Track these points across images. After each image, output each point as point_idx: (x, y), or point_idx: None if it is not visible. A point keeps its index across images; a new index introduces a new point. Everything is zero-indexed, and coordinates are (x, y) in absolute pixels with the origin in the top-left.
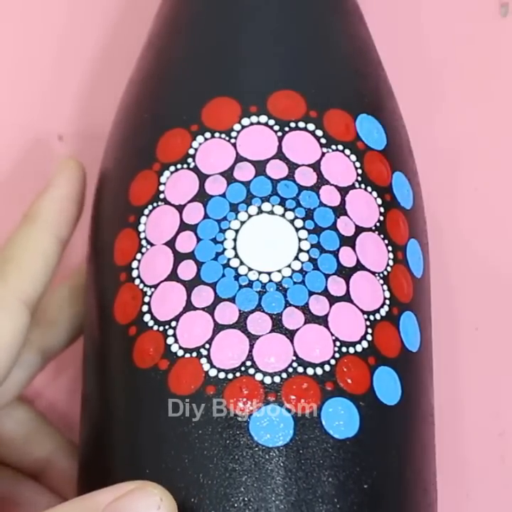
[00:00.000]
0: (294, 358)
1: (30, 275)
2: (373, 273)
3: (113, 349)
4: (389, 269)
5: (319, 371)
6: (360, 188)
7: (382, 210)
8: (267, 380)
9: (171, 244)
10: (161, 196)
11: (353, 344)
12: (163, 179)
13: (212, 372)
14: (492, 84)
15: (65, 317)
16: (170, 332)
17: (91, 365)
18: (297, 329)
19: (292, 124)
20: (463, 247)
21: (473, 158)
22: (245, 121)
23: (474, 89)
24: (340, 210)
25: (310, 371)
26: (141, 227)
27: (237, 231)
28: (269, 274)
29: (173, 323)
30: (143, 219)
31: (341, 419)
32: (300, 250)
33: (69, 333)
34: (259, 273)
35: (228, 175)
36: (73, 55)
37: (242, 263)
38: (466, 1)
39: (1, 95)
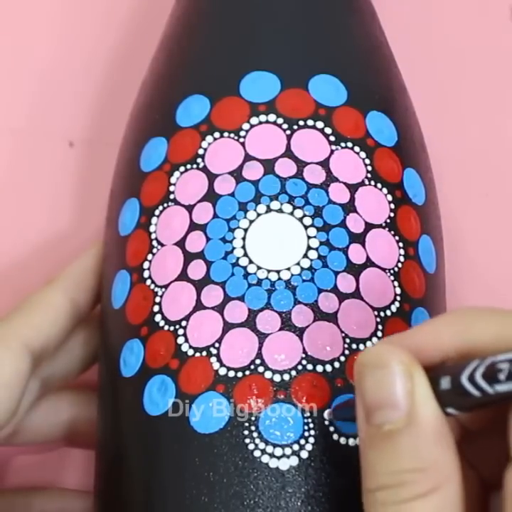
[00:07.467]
0: (304, 356)
1: (36, 323)
2: (383, 269)
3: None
4: (400, 265)
5: (329, 368)
6: (369, 184)
7: (392, 206)
8: (277, 378)
9: (180, 244)
10: (171, 197)
11: (363, 341)
12: (173, 180)
13: (222, 371)
14: (503, 85)
15: (67, 347)
16: (180, 332)
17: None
18: (306, 327)
19: (301, 122)
20: (478, 242)
21: (486, 155)
22: (254, 120)
23: (485, 90)
24: (349, 207)
25: (319, 368)
26: (152, 228)
27: (246, 230)
28: (278, 272)
29: (184, 323)
30: (154, 220)
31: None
32: (309, 248)
33: (73, 362)
34: (268, 271)
35: (237, 174)
36: (84, 60)
37: (251, 262)
38: (477, 5)
39: (11, 101)
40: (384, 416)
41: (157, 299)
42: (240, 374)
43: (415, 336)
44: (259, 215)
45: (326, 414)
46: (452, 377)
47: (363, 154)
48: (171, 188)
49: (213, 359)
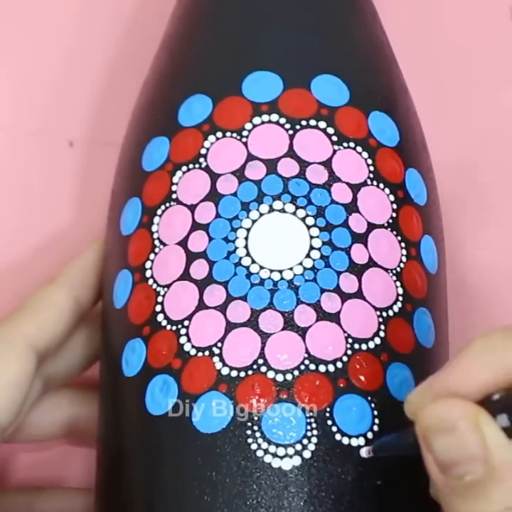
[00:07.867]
0: (306, 356)
1: (40, 322)
2: (386, 269)
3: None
4: (402, 265)
5: (331, 368)
6: (372, 185)
7: (395, 206)
8: (279, 377)
9: (183, 243)
10: (174, 196)
11: (366, 341)
12: (175, 179)
13: (225, 371)
14: (503, 85)
15: (70, 346)
16: (183, 331)
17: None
18: (309, 326)
19: (303, 122)
20: (478, 243)
21: (486, 155)
22: (256, 120)
23: (486, 89)
24: (352, 208)
25: (322, 368)
26: (154, 228)
27: (248, 230)
28: (280, 272)
29: (186, 323)
30: (156, 219)
31: (354, 416)
32: (311, 248)
33: (74, 360)
34: (271, 271)
35: (240, 174)
36: (84, 60)
37: (253, 261)
38: (477, 5)
39: (12, 101)
40: (462, 469)
41: (159, 299)
42: (242, 374)
43: (454, 378)
44: (261, 214)
45: (363, 452)
46: (509, 414)
47: (365, 154)
48: (173, 188)
49: (216, 359)
